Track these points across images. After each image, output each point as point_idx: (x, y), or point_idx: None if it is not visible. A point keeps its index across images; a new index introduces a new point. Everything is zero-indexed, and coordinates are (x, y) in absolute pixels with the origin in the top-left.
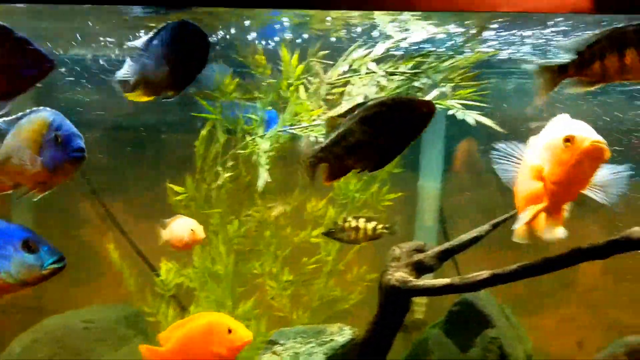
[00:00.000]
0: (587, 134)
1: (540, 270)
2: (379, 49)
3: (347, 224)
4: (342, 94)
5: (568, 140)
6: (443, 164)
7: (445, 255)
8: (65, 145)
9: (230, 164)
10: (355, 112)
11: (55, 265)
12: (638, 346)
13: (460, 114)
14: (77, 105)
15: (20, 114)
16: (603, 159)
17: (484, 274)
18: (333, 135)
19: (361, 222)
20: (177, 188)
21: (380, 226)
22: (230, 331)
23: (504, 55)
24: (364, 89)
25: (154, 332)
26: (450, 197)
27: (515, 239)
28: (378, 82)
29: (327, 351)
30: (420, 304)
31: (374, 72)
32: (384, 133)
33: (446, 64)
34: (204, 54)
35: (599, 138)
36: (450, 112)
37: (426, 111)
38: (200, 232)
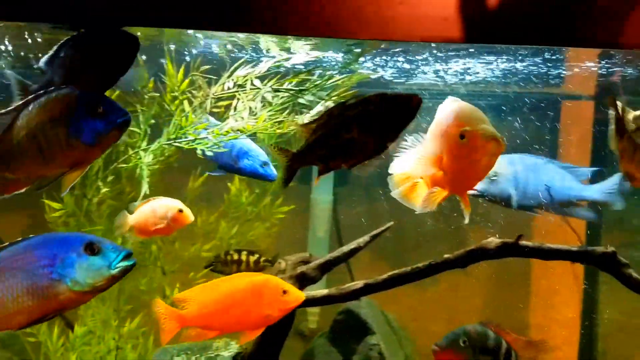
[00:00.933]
0: (481, 128)
1: (408, 279)
2: (263, 66)
3: (229, 257)
4: (227, 107)
5: (463, 136)
6: (334, 178)
7: (326, 267)
8: (108, 114)
9: (110, 178)
10: (337, 113)
11: (125, 263)
12: (474, 332)
13: None
14: None
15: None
16: (499, 153)
17: (359, 283)
18: (313, 137)
19: (243, 255)
20: (53, 204)
21: (262, 259)
22: (285, 292)
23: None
24: (250, 104)
25: (36, 352)
26: (344, 209)
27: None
28: (264, 97)
29: None
30: (313, 313)
31: (259, 88)
32: (374, 129)
33: (329, 82)
34: (122, 59)
35: (493, 131)
36: None
37: (413, 104)
38: (189, 213)
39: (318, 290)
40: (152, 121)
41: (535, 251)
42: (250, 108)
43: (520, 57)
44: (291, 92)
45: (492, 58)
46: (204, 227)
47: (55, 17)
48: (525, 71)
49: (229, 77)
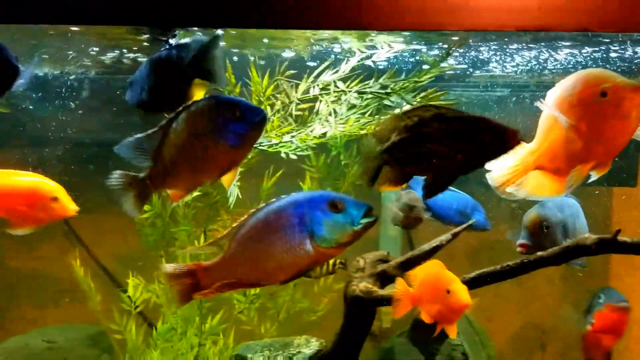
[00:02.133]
0: (621, 81)
1: (498, 277)
2: (346, 67)
3: None
4: (311, 111)
5: (605, 93)
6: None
7: (408, 265)
8: (245, 115)
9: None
10: (429, 119)
11: (367, 219)
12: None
13: None
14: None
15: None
16: None
17: None
18: (396, 138)
19: None
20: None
21: (338, 261)
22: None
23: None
24: (335, 107)
25: (122, 350)
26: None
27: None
28: (347, 100)
29: None
30: (387, 312)
31: (343, 91)
32: (462, 151)
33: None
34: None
35: (634, 81)
36: None
37: (511, 140)
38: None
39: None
40: None
41: (634, 247)
42: (335, 111)
43: (604, 47)
44: (376, 93)
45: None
46: None
47: (56, 18)
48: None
49: (313, 81)
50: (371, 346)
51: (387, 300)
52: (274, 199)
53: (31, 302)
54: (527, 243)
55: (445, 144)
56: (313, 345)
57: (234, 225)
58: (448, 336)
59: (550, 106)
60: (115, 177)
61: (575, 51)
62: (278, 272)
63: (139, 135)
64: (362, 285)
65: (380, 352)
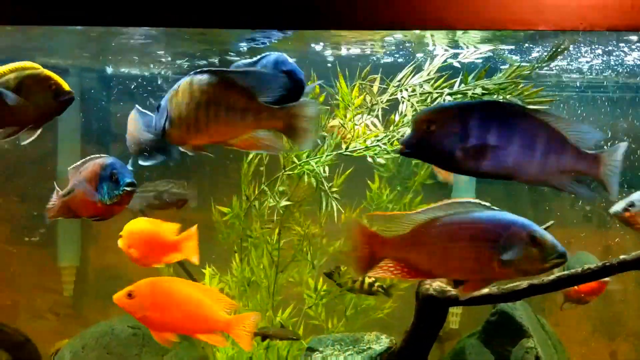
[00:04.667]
0: None
1: (578, 280)
2: (431, 67)
3: (346, 270)
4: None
5: None
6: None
7: None
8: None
9: (281, 186)
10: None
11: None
12: None
13: None
14: None
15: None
16: None
17: (522, 284)
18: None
19: None
20: (223, 209)
21: (377, 284)
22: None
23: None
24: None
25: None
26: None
27: None
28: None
29: (366, 359)
30: (455, 314)
31: (429, 93)
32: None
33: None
34: None
35: None
36: None
37: None
38: None
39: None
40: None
41: None
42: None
43: None
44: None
45: None
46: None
47: (58, 19)
48: None
49: (399, 85)
50: (435, 347)
51: (461, 301)
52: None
53: (106, 294)
54: None
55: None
56: (383, 342)
57: (419, 211)
58: (521, 338)
59: None
60: None
61: None
62: (455, 273)
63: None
64: (436, 284)
65: (451, 353)
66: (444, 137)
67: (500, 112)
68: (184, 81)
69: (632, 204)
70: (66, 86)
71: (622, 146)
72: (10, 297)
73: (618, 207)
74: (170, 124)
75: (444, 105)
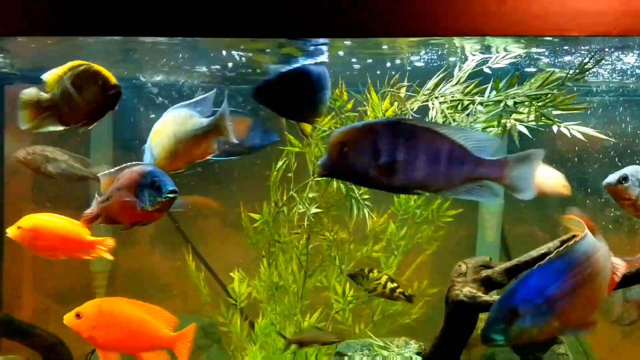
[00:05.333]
0: None
1: (630, 282)
2: (462, 73)
3: (371, 274)
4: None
5: None
6: None
7: (514, 272)
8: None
9: (310, 192)
10: None
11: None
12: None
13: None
14: None
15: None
16: None
17: None
18: None
19: (383, 279)
20: (254, 215)
21: (399, 290)
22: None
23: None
24: (452, 115)
25: (227, 342)
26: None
27: None
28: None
29: None
30: (482, 319)
31: (460, 100)
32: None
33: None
34: None
35: None
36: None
37: None
38: None
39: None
40: None
41: None
42: (454, 121)
43: None
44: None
45: None
46: (374, 228)
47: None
48: None
49: (430, 93)
50: (464, 353)
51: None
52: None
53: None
54: None
55: None
56: (412, 347)
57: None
58: (552, 344)
59: None
60: None
61: None
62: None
63: None
64: (466, 290)
65: (481, 358)
66: (357, 158)
67: (405, 129)
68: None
69: (625, 178)
70: (113, 80)
71: (533, 152)
72: (44, 301)
73: (612, 178)
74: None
75: (353, 127)
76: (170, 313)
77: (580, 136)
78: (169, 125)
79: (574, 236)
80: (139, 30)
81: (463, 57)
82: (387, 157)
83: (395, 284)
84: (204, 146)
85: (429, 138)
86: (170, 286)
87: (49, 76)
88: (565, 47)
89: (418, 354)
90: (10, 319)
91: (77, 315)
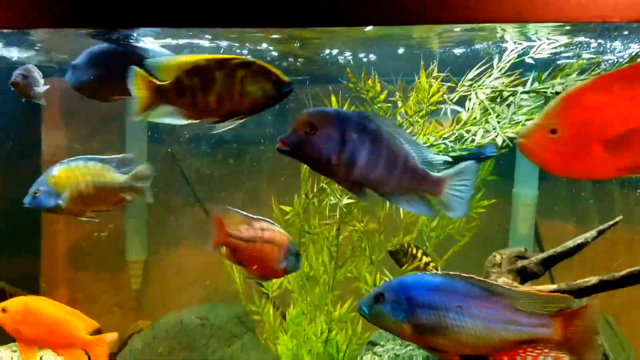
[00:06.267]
0: None
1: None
2: (503, 64)
3: (410, 250)
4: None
5: None
6: (539, 171)
7: (550, 262)
8: None
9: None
10: None
11: None
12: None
13: None
14: None
15: None
16: None
17: (592, 280)
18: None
19: (419, 253)
20: (285, 208)
21: (432, 264)
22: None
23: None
24: (491, 106)
25: (260, 331)
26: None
27: None
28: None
29: (427, 355)
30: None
31: (501, 91)
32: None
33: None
34: None
35: None
36: None
37: None
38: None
39: (543, 285)
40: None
41: None
42: (494, 112)
43: None
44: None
45: None
46: (405, 219)
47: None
48: None
49: (472, 83)
50: None
51: None
52: None
53: (170, 289)
54: None
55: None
56: None
57: None
58: None
59: None
60: None
61: None
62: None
63: None
64: (502, 280)
65: None
66: (322, 142)
67: (373, 126)
68: None
69: None
70: (285, 78)
71: (465, 166)
72: (80, 290)
73: None
74: None
75: (325, 111)
76: (90, 319)
77: None
78: (86, 173)
79: (612, 224)
80: (140, 22)
81: (504, 44)
82: (352, 149)
83: (429, 258)
84: (119, 198)
85: (392, 141)
86: (204, 277)
87: (168, 62)
88: (615, 33)
89: None
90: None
91: (3, 310)
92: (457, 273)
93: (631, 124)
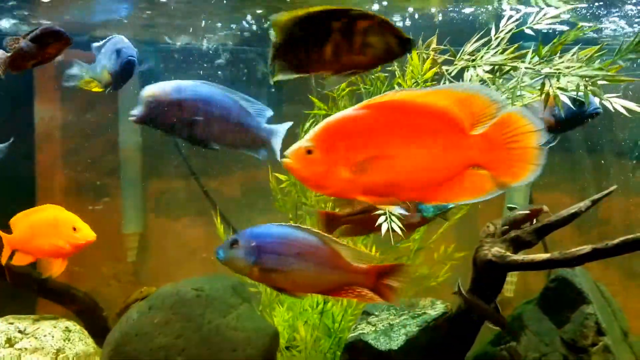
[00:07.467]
0: None
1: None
2: (500, 34)
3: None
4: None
5: None
6: None
7: (543, 231)
8: None
9: None
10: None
11: None
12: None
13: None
14: None
15: None
16: None
17: (585, 248)
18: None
19: None
20: (280, 176)
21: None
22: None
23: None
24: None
25: (257, 302)
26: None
27: None
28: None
29: (421, 323)
30: (510, 282)
31: (502, 64)
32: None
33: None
34: None
35: None
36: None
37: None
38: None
39: (537, 254)
40: None
41: None
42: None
43: None
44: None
45: None
46: None
47: None
48: None
49: (471, 58)
50: None
51: (522, 266)
52: None
53: (167, 261)
54: None
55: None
56: (438, 307)
57: None
58: (581, 304)
59: None
60: None
61: None
62: None
63: None
64: (495, 249)
65: (509, 318)
66: (165, 112)
67: (208, 90)
68: None
69: None
70: (405, 34)
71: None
72: (78, 263)
73: None
74: None
75: (164, 85)
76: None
77: (623, 110)
78: None
79: (606, 194)
80: None
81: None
82: (189, 114)
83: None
84: None
85: (224, 100)
86: (199, 249)
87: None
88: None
89: (444, 313)
90: (45, 278)
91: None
92: (298, 224)
93: (372, 152)
